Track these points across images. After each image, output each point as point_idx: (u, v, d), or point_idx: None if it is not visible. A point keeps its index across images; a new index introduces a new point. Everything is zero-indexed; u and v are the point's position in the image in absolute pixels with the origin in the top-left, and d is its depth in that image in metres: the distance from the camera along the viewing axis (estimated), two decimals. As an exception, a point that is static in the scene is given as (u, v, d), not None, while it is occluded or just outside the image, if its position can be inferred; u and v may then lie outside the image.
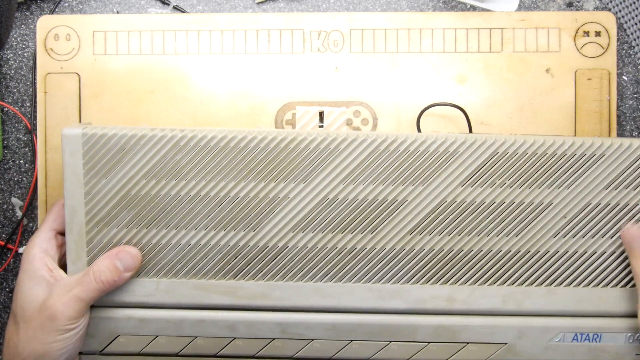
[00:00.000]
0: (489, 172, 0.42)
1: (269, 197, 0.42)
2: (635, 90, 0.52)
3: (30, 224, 0.53)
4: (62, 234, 0.44)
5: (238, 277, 0.43)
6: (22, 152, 0.53)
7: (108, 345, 0.43)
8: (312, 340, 0.43)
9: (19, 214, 0.53)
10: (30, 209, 0.52)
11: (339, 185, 0.42)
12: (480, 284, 0.43)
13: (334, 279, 0.43)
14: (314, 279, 0.43)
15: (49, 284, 0.42)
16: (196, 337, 0.43)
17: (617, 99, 0.52)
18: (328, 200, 0.42)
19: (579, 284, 0.43)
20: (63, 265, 0.44)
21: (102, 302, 0.43)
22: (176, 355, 0.44)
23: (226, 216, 0.42)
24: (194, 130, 0.42)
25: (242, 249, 0.43)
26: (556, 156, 0.42)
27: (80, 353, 0.44)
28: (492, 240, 0.42)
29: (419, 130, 0.50)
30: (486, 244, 0.43)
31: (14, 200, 0.52)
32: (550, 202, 0.42)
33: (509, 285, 0.43)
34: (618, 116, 0.52)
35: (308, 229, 0.42)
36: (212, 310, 0.43)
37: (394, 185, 0.42)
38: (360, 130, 0.43)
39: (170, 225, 0.42)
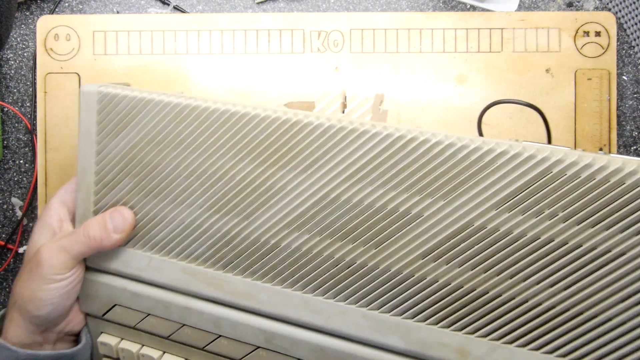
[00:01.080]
0: (535, 196, 0.32)
1: (265, 184, 0.37)
2: (635, 90, 0.52)
3: (30, 224, 0.53)
4: None
5: (226, 269, 0.40)
6: (22, 152, 0.53)
7: (107, 312, 0.43)
8: (298, 359, 0.39)
9: (19, 214, 0.53)
10: (30, 209, 0.52)
11: (342, 182, 0.36)
12: (505, 342, 0.33)
13: (326, 294, 0.37)
14: (304, 289, 0.38)
15: (53, 233, 0.42)
16: (183, 324, 0.42)
17: (617, 99, 0.52)
18: (329, 199, 0.36)
19: None
20: None
21: (100, 266, 0.42)
22: (166, 338, 0.43)
23: (221, 198, 0.39)
24: (207, 101, 0.39)
25: (233, 239, 0.39)
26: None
27: (87, 314, 0.44)
28: (529, 287, 0.33)
29: (480, 133, 0.44)
30: (521, 291, 0.33)
31: (14, 200, 0.52)
32: (623, 251, 0.31)
33: (545, 352, 0.32)
34: (618, 116, 0.52)
35: (303, 229, 0.37)
36: (198, 299, 0.41)
37: (409, 193, 0.34)
38: (384, 122, 0.36)
39: (168, 199, 0.40)
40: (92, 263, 0.43)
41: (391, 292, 0.35)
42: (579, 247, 0.31)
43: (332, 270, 0.37)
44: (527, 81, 0.50)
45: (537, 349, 0.33)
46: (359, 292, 0.36)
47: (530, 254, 0.32)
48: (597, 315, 0.32)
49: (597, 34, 0.50)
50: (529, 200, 0.32)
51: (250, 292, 0.39)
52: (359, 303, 0.36)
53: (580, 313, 0.32)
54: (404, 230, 0.35)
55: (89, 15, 0.52)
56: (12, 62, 0.53)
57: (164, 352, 0.44)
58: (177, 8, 0.52)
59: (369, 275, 0.36)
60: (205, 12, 0.53)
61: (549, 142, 0.44)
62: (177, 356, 0.43)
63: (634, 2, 0.52)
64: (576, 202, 0.31)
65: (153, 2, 0.53)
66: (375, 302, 0.36)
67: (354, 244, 0.36)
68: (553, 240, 0.32)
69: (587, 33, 0.50)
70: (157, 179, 0.40)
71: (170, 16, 0.51)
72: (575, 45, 0.50)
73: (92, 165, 0.41)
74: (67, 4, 0.53)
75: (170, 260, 0.41)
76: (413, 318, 0.35)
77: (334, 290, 0.37)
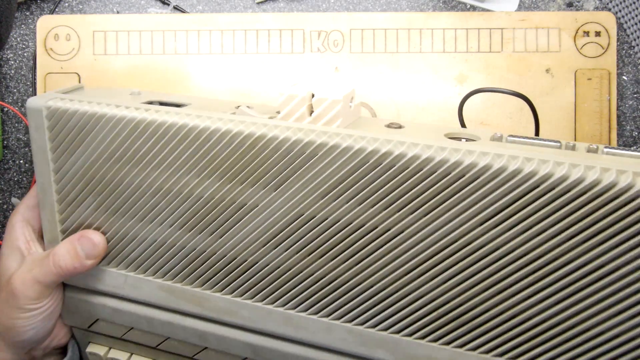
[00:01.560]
0: (509, 210, 0.30)
1: (234, 202, 0.35)
2: (635, 90, 0.52)
3: (30, 224, 0.53)
4: None
5: (204, 286, 0.38)
6: (22, 152, 0.53)
7: (91, 325, 0.42)
8: None
9: (19, 214, 0.53)
10: (30, 209, 0.52)
11: (316, 199, 0.34)
12: (495, 355, 0.32)
13: (309, 311, 0.36)
14: (286, 306, 0.36)
15: (22, 256, 0.41)
16: (168, 337, 0.41)
17: (617, 99, 0.52)
18: (304, 216, 0.34)
19: None
20: None
21: (77, 283, 0.41)
22: (154, 348, 0.42)
23: (190, 216, 0.37)
24: (158, 110, 0.36)
25: (208, 256, 0.37)
26: None
27: (71, 326, 0.43)
28: (521, 301, 0.31)
29: (463, 124, 0.43)
30: (511, 304, 0.31)
31: (14, 200, 0.52)
32: None
33: None
34: (618, 116, 0.52)
35: (280, 246, 0.35)
36: (181, 315, 0.40)
37: (386, 210, 0.32)
38: (365, 127, 0.35)
39: (135, 217, 0.38)
40: (69, 281, 0.42)
41: (375, 308, 0.34)
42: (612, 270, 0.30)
43: (313, 287, 0.35)
44: (527, 81, 0.50)
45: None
46: (343, 308, 0.35)
47: (507, 265, 0.31)
48: (588, 329, 0.31)
49: (597, 34, 0.50)
50: (520, 212, 0.30)
51: (231, 308, 0.38)
52: (343, 318, 0.35)
53: (572, 327, 0.31)
54: (389, 244, 0.33)
55: (89, 15, 0.52)
56: (12, 62, 0.53)
57: None
58: (177, 8, 0.52)
59: (353, 291, 0.34)
60: (205, 12, 0.53)
61: (537, 134, 0.43)
62: None
63: (634, 2, 0.52)
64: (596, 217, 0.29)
65: (153, 2, 0.53)
66: (360, 318, 0.35)
67: (334, 260, 0.34)
68: (580, 258, 0.30)
69: (587, 33, 0.50)
70: (121, 197, 0.38)
71: (170, 16, 0.51)
72: (575, 45, 0.50)
73: (51, 183, 0.39)
74: (67, 4, 0.53)
75: (146, 278, 0.39)
76: (399, 333, 0.34)
77: (316, 305, 0.36)
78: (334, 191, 0.33)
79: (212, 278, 0.38)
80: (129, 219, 0.38)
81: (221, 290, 0.38)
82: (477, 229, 0.31)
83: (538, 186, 0.29)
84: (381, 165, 0.32)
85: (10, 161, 0.53)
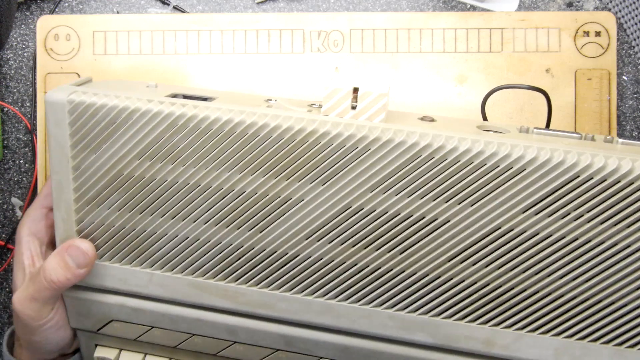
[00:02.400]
0: (561, 201, 0.33)
1: (279, 197, 0.36)
2: (635, 90, 0.52)
3: (30, 224, 0.53)
4: None
5: (239, 281, 0.38)
6: (22, 152, 0.53)
7: (102, 327, 0.41)
8: (321, 358, 0.39)
9: (19, 214, 0.53)
10: (30, 209, 0.52)
11: (365, 192, 0.35)
12: (529, 331, 0.35)
13: (350, 299, 0.37)
14: (326, 296, 0.37)
15: (25, 274, 0.40)
16: (193, 334, 0.40)
17: (617, 99, 0.52)
18: (351, 209, 0.35)
19: None
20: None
21: (92, 284, 0.40)
22: (173, 347, 0.41)
23: (230, 212, 0.36)
24: (196, 106, 0.35)
25: (246, 251, 0.37)
26: None
27: (76, 329, 0.42)
28: (553, 281, 0.35)
29: (485, 118, 0.45)
30: (545, 284, 0.35)
31: (14, 200, 0.52)
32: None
33: (566, 337, 0.35)
34: (618, 116, 0.52)
35: (324, 238, 0.36)
36: (211, 311, 0.39)
37: (435, 201, 0.34)
38: (400, 120, 0.36)
39: (167, 214, 0.37)
40: (82, 282, 0.40)
41: (418, 293, 0.36)
42: (602, 244, 0.34)
43: (355, 277, 0.36)
44: (527, 81, 0.50)
45: (559, 334, 0.35)
46: (384, 295, 0.36)
47: (555, 250, 0.34)
48: (610, 304, 0.34)
49: (597, 34, 0.50)
50: (553, 204, 0.33)
51: (268, 301, 0.38)
52: (384, 305, 0.37)
53: (599, 302, 0.34)
54: (431, 235, 0.35)
55: (89, 15, 0.52)
56: (12, 62, 0.53)
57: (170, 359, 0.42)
58: (177, 8, 0.52)
59: (395, 279, 0.36)
60: (205, 12, 0.53)
61: (548, 126, 0.45)
62: None
63: (634, 2, 0.52)
64: (595, 203, 0.33)
65: (153, 2, 0.53)
66: (401, 304, 0.36)
67: (379, 250, 0.36)
68: (578, 239, 0.34)
69: (587, 33, 0.50)
70: (152, 193, 0.37)
71: (170, 16, 0.51)
72: (575, 45, 0.50)
73: (69, 182, 0.37)
74: (67, 4, 0.53)
75: (175, 276, 0.38)
76: (439, 315, 0.36)
77: (357, 294, 0.37)
78: (382, 184, 0.34)
79: (248, 272, 0.37)
80: (158, 217, 0.37)
81: (257, 284, 0.38)
82: (511, 215, 0.34)
83: (566, 174, 0.33)
84: (421, 157, 0.34)
85: (10, 161, 0.53)
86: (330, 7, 0.53)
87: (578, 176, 0.33)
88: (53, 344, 0.41)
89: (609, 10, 0.52)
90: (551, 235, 0.34)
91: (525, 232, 0.34)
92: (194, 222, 0.37)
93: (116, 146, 0.36)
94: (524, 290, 0.35)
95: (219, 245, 0.37)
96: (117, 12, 0.53)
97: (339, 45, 0.51)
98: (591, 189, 0.33)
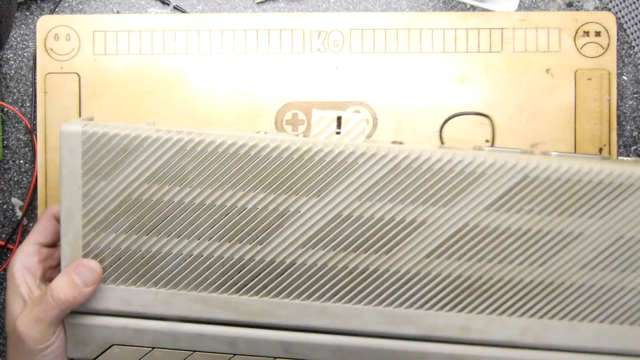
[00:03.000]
0: (516, 197, 0.39)
1: (278, 210, 0.40)
2: (635, 90, 0.52)
3: (30, 224, 0.53)
4: (47, 246, 0.44)
5: (241, 292, 0.41)
6: (22, 152, 0.53)
7: (101, 354, 0.42)
8: None
9: (19, 214, 0.53)
10: (30, 209, 0.52)
11: (354, 201, 0.39)
12: (498, 314, 0.40)
13: (343, 300, 0.41)
14: (322, 299, 0.41)
15: (24, 302, 0.41)
16: (194, 351, 0.41)
17: (617, 99, 0.52)
18: (342, 217, 0.40)
19: (603, 320, 0.40)
20: (50, 278, 0.43)
21: (94, 309, 0.41)
22: None
23: (231, 228, 0.40)
24: (201, 134, 0.39)
25: (247, 263, 0.40)
26: (591, 184, 0.39)
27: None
28: (513, 269, 0.40)
29: (442, 142, 0.50)
30: (507, 273, 0.40)
31: (14, 200, 0.52)
32: (581, 232, 0.39)
33: (528, 317, 0.40)
34: (618, 116, 0.52)
35: (318, 246, 0.40)
36: (212, 324, 0.41)
37: (414, 205, 0.39)
38: (379, 143, 0.41)
39: (172, 234, 0.40)
40: (83, 307, 0.41)
41: (402, 289, 0.40)
42: (550, 233, 0.40)
43: (348, 279, 0.40)
44: (527, 81, 0.50)
45: (522, 315, 0.40)
46: (374, 293, 0.41)
47: (514, 242, 0.40)
48: (560, 284, 0.40)
49: (597, 34, 0.50)
50: (511, 201, 0.39)
51: (268, 309, 0.41)
52: (374, 303, 0.41)
53: (551, 284, 0.40)
54: (411, 236, 0.40)
55: (89, 15, 0.52)
56: (12, 62, 0.53)
57: None
58: (177, 8, 0.52)
59: (382, 278, 0.40)
60: (205, 12, 0.53)
61: (492, 145, 0.50)
62: None
63: (634, 2, 0.52)
64: (543, 198, 0.40)
65: (153, 2, 0.53)
66: (389, 299, 0.41)
67: (367, 253, 0.40)
68: (530, 230, 0.40)
69: (587, 33, 0.50)
70: (158, 215, 0.40)
71: (170, 16, 0.51)
72: (575, 45, 0.50)
73: (79, 208, 0.40)
74: (67, 4, 0.53)
75: (179, 292, 0.41)
76: (422, 307, 0.41)
77: (350, 295, 0.41)
78: (368, 193, 0.39)
79: (250, 283, 0.41)
80: (165, 237, 0.40)
81: (258, 294, 0.41)
82: (476, 213, 0.40)
83: (518, 175, 0.39)
84: (401, 168, 0.39)
85: (10, 161, 0.53)
86: (330, 7, 0.53)
87: (527, 177, 0.39)
88: None
89: (609, 10, 0.52)
90: (509, 228, 0.40)
91: (488, 227, 0.40)
92: (199, 239, 0.40)
93: (126, 172, 0.40)
94: (491, 278, 0.40)
95: (222, 259, 0.40)
96: (117, 12, 0.53)
97: (339, 45, 0.51)
98: (537, 187, 0.39)
